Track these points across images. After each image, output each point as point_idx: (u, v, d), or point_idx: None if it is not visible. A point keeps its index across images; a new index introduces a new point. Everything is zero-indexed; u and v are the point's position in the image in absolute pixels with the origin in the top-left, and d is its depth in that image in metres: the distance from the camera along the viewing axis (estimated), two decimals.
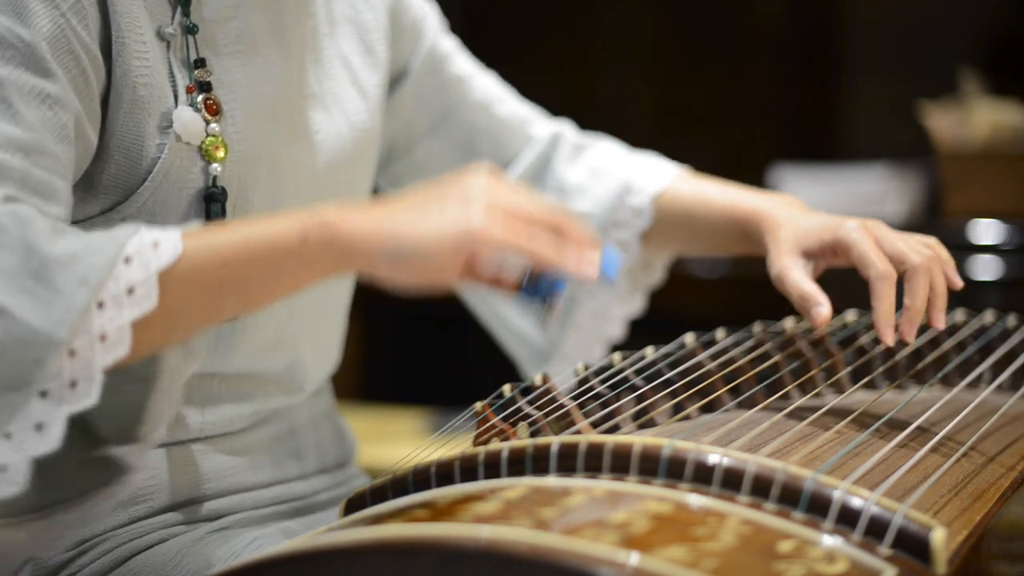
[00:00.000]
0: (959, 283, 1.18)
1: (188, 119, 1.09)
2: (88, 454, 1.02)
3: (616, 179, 1.43)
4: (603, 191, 1.43)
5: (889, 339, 1.13)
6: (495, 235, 0.92)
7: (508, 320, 1.48)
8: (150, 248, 0.93)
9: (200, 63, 1.11)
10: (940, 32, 2.85)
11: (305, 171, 1.20)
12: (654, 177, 1.42)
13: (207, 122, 1.10)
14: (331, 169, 1.23)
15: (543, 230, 0.94)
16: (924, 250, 1.16)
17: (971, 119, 2.49)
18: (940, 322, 1.16)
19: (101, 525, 1.11)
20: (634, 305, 1.49)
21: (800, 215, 1.25)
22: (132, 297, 0.91)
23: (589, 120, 2.96)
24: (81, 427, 0.99)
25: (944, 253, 1.19)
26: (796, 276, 1.19)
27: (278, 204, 1.16)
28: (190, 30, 1.11)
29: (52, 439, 0.90)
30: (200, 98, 1.10)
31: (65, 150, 1.01)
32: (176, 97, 1.10)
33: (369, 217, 0.94)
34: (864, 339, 1.31)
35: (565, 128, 1.48)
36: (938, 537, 0.85)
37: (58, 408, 0.90)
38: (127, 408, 1.01)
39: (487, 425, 1.05)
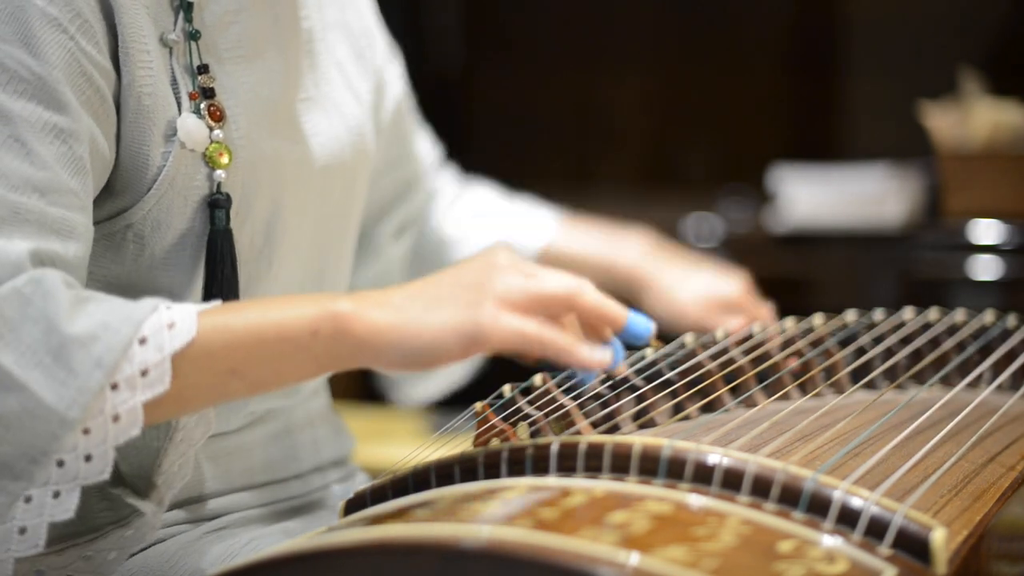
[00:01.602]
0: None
1: (192, 126, 1.09)
2: (105, 491, 1.03)
3: (495, 236, 1.46)
4: (481, 247, 1.45)
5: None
6: (502, 333, 0.93)
7: None
8: (165, 330, 0.94)
9: (203, 69, 1.10)
10: (940, 32, 2.85)
11: (304, 175, 1.19)
12: (534, 234, 1.47)
13: (211, 128, 1.10)
14: (329, 172, 1.22)
15: (557, 315, 0.95)
16: None
17: (971, 119, 2.49)
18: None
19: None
20: None
21: (679, 280, 1.38)
22: (145, 379, 0.93)
23: (589, 120, 2.96)
24: None
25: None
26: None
27: (278, 208, 1.16)
28: (193, 36, 1.10)
29: (68, 508, 0.93)
30: (203, 105, 1.10)
31: (81, 183, 1.02)
32: (180, 104, 1.09)
33: (380, 311, 0.95)
34: (864, 339, 1.31)
35: (445, 176, 1.51)
36: (938, 537, 0.85)
37: (74, 479, 0.93)
38: (146, 451, 1.04)
39: (487, 425, 1.05)
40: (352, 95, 1.28)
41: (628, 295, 1.41)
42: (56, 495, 0.93)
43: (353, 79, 1.29)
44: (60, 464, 0.92)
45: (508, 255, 0.98)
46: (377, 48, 1.37)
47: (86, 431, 0.92)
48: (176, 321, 0.94)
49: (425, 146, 1.48)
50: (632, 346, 1.02)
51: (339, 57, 1.28)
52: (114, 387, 0.92)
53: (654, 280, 1.37)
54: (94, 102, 1.03)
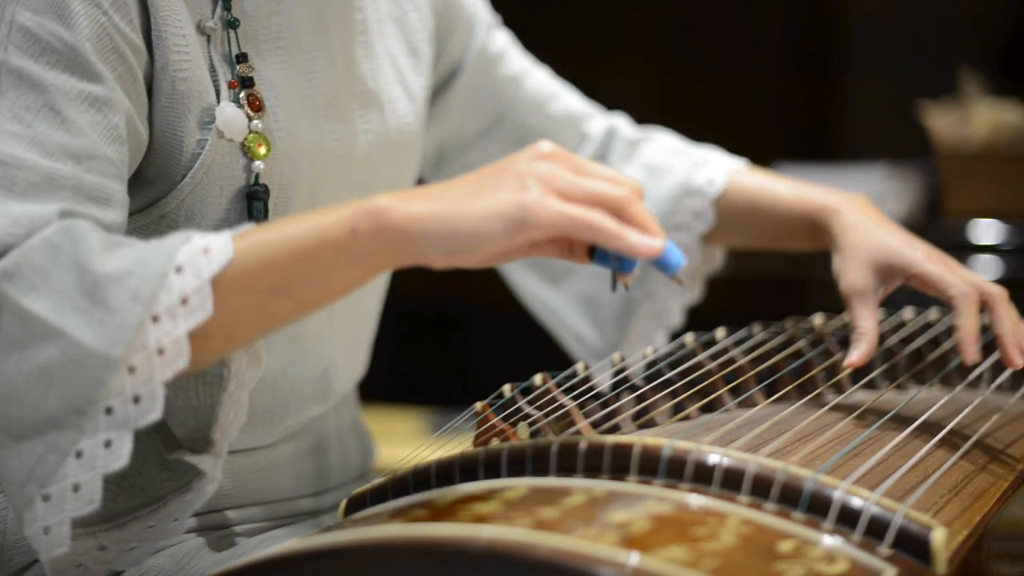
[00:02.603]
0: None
1: (231, 115, 1.08)
2: (164, 458, 1.01)
3: (674, 179, 1.39)
4: (660, 193, 1.39)
5: (972, 355, 1.14)
6: (548, 216, 0.90)
7: (564, 319, 1.46)
8: (201, 255, 0.91)
9: (242, 58, 1.09)
10: (940, 32, 2.85)
11: (346, 170, 1.18)
12: (714, 176, 1.38)
13: (250, 118, 1.09)
14: (373, 168, 1.21)
15: (603, 209, 0.91)
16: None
17: (971, 119, 2.49)
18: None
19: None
20: (692, 293, 1.45)
21: (872, 222, 1.25)
22: (186, 307, 0.90)
23: None
24: (157, 430, 0.99)
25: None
26: (860, 306, 1.20)
27: (317, 203, 1.14)
28: (231, 24, 1.09)
29: (121, 456, 0.90)
30: (242, 94, 1.09)
31: (118, 151, 1.00)
32: (218, 92, 1.08)
33: (419, 202, 0.91)
34: None
35: (620, 122, 1.45)
36: (938, 537, 0.85)
37: (124, 424, 0.90)
38: (202, 410, 1.01)
39: (487, 425, 1.05)
40: (404, 91, 1.25)
41: (816, 230, 1.29)
42: (108, 444, 0.90)
43: (406, 74, 1.26)
44: (108, 411, 0.90)
45: (554, 146, 0.93)
46: (457, 23, 1.35)
47: (131, 369, 0.89)
48: (211, 246, 0.92)
49: (546, 89, 1.41)
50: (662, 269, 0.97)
51: (392, 51, 1.25)
52: (155, 319, 0.90)
53: (845, 212, 1.25)
54: (126, 79, 1.02)
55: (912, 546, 0.86)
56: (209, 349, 0.93)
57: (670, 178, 1.40)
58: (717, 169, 1.39)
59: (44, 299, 0.90)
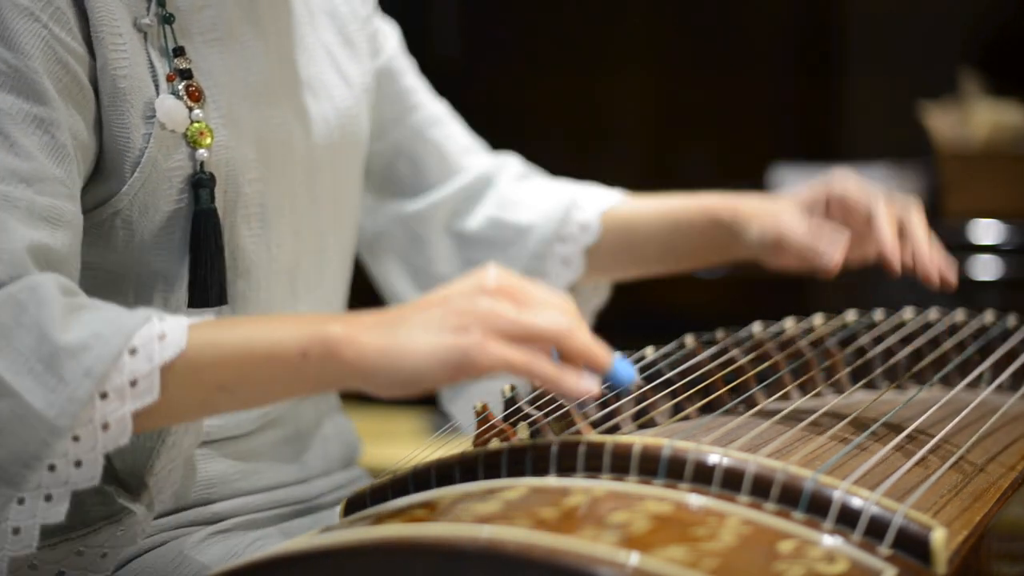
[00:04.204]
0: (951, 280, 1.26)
1: (171, 106, 1.10)
2: (99, 485, 1.03)
3: (563, 196, 1.45)
4: (548, 205, 1.44)
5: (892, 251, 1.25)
6: (489, 361, 0.91)
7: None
8: (156, 341, 0.94)
9: (179, 51, 1.12)
10: (940, 32, 2.85)
11: (294, 156, 1.20)
12: (602, 195, 1.45)
13: (190, 108, 1.11)
14: (319, 154, 1.24)
15: (544, 346, 0.93)
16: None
17: (971, 119, 2.49)
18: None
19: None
20: (600, 298, 1.50)
21: (769, 200, 1.34)
22: (135, 389, 0.93)
23: (589, 120, 2.96)
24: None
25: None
26: (797, 232, 1.28)
27: (268, 188, 1.17)
28: (166, 20, 1.11)
29: (59, 511, 0.94)
30: (181, 85, 1.11)
31: (67, 171, 1.02)
32: (157, 86, 1.10)
33: (370, 334, 0.93)
34: (864, 339, 1.31)
35: (511, 160, 1.49)
36: (938, 537, 0.85)
37: (64, 484, 0.93)
38: (141, 450, 1.04)
39: (487, 425, 1.05)
40: (341, 78, 1.29)
41: (721, 227, 1.35)
42: (48, 498, 0.93)
43: (342, 62, 1.30)
44: (51, 468, 0.93)
45: (498, 276, 0.95)
46: (369, 29, 1.37)
47: (76, 438, 0.92)
48: (167, 333, 0.94)
49: (435, 116, 1.45)
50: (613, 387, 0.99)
51: (326, 41, 1.29)
52: (103, 396, 0.92)
53: (750, 201, 1.32)
54: (72, 89, 1.04)
55: (912, 546, 0.86)
56: (150, 425, 0.96)
57: (560, 195, 1.46)
58: (607, 192, 1.47)
59: (3, 356, 0.93)
